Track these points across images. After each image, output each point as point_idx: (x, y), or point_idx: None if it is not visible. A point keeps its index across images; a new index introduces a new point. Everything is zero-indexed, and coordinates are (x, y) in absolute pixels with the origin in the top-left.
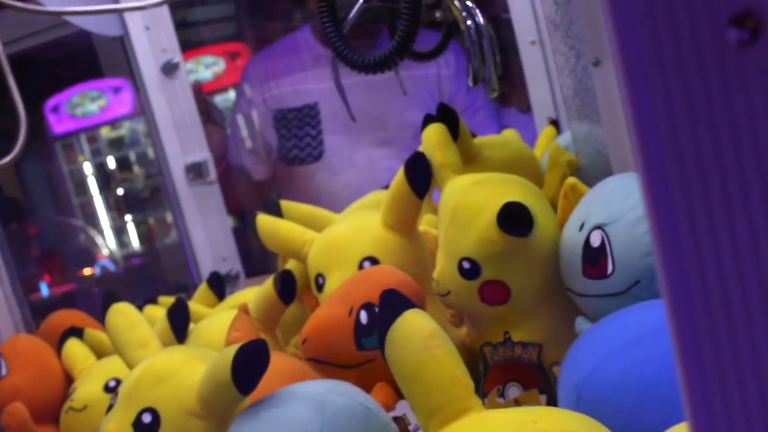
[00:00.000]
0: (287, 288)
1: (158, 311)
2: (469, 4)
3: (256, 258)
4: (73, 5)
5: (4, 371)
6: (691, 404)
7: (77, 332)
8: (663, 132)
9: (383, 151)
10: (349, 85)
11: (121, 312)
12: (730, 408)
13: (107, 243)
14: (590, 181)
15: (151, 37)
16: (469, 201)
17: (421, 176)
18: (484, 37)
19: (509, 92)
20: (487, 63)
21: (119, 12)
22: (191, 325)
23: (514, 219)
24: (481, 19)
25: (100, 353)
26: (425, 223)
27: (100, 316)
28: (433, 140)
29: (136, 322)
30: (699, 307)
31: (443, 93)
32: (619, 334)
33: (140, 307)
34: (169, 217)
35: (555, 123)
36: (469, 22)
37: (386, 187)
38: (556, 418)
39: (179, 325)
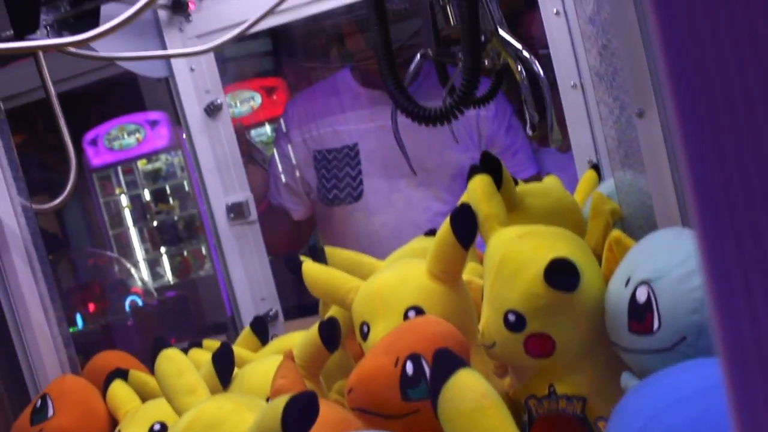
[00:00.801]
0: (332, 336)
1: (203, 355)
2: (526, 54)
3: (295, 296)
4: (121, 47)
5: (50, 412)
6: None
7: (122, 374)
8: (721, 209)
9: (422, 192)
10: (388, 125)
11: (170, 358)
12: None
13: (142, 275)
14: (634, 231)
15: (196, 79)
16: (515, 254)
17: (466, 228)
18: (544, 88)
19: (547, 132)
20: (549, 113)
21: (169, 58)
22: (235, 370)
23: (560, 274)
24: (540, 70)
25: (144, 396)
26: (469, 272)
27: (147, 357)
28: (479, 192)
29: (184, 369)
30: (754, 365)
31: (482, 134)
32: (667, 393)
33: (185, 350)
34: (203, 249)
35: (596, 167)
36: (520, 68)
37: (429, 232)
38: None
39: (224, 370)
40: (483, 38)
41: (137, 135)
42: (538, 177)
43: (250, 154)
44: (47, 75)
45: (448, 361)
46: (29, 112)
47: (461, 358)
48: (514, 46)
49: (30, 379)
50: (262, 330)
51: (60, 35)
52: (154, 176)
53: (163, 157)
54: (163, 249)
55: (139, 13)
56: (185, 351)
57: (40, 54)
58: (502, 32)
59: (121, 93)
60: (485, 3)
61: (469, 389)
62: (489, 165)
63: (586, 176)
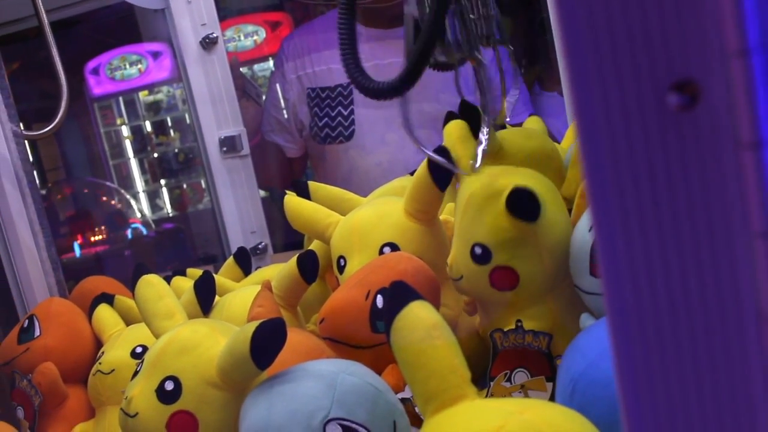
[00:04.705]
0: (309, 268)
1: (186, 283)
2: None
3: (286, 230)
4: None
5: (37, 332)
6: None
7: (108, 298)
8: (610, 183)
9: (416, 134)
10: (384, 65)
11: (150, 283)
12: None
13: (140, 206)
14: None
15: (192, 11)
16: (482, 190)
17: (443, 169)
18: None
19: (552, 77)
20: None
21: None
22: (216, 298)
23: (521, 202)
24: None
25: (128, 320)
26: (447, 212)
27: (130, 283)
28: (454, 135)
29: (163, 294)
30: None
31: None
32: None
33: (169, 279)
34: (203, 183)
35: None
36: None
37: (414, 172)
38: (542, 410)
39: (205, 297)
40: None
41: (139, 66)
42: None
43: (243, 88)
44: (40, 2)
45: (402, 293)
46: (28, 38)
47: (416, 291)
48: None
49: (19, 300)
50: (245, 260)
51: None
52: (155, 108)
53: (164, 88)
54: (162, 181)
55: None
56: (169, 279)
57: None
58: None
59: (121, 24)
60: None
61: (421, 321)
62: (467, 112)
63: (576, 123)
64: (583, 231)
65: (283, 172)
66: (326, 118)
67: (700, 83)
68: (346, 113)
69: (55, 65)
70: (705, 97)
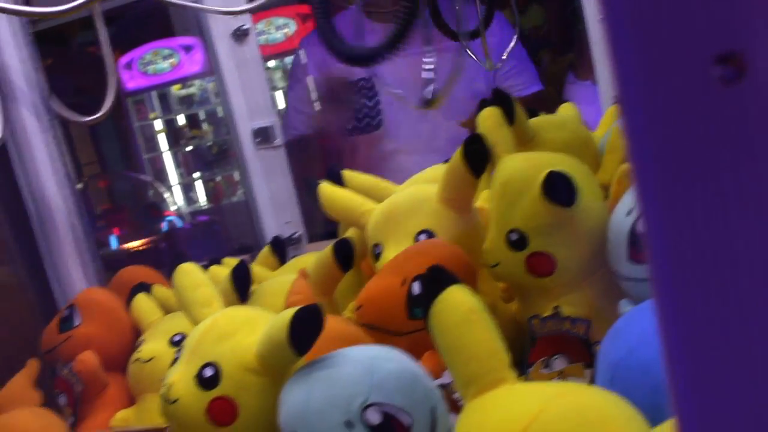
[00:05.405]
0: (345, 256)
1: (222, 272)
2: None
3: (320, 220)
4: None
5: (77, 321)
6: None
7: (146, 288)
8: (653, 161)
9: (448, 122)
10: (413, 53)
11: (188, 272)
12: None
13: (175, 199)
14: None
15: (223, 3)
16: (518, 175)
17: (478, 156)
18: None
19: (585, 65)
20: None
21: None
22: (253, 287)
23: (557, 186)
24: None
25: (166, 309)
26: (483, 199)
27: (167, 273)
28: (488, 122)
29: (201, 282)
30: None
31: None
32: (652, 322)
33: (206, 267)
34: (236, 175)
35: None
36: None
37: (447, 161)
38: (584, 394)
39: (241, 286)
40: None
41: (171, 60)
42: (546, 93)
43: None
44: None
45: (441, 277)
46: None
47: (454, 275)
48: None
49: (58, 291)
50: (281, 249)
51: None
52: (188, 101)
53: (197, 82)
54: (196, 174)
55: None
56: (205, 268)
57: None
58: None
59: (153, 18)
60: None
61: (460, 304)
62: (500, 100)
63: (610, 110)
64: (621, 216)
65: (315, 163)
66: (351, 111)
67: (747, 55)
68: (371, 104)
69: (104, 53)
70: (752, 69)
